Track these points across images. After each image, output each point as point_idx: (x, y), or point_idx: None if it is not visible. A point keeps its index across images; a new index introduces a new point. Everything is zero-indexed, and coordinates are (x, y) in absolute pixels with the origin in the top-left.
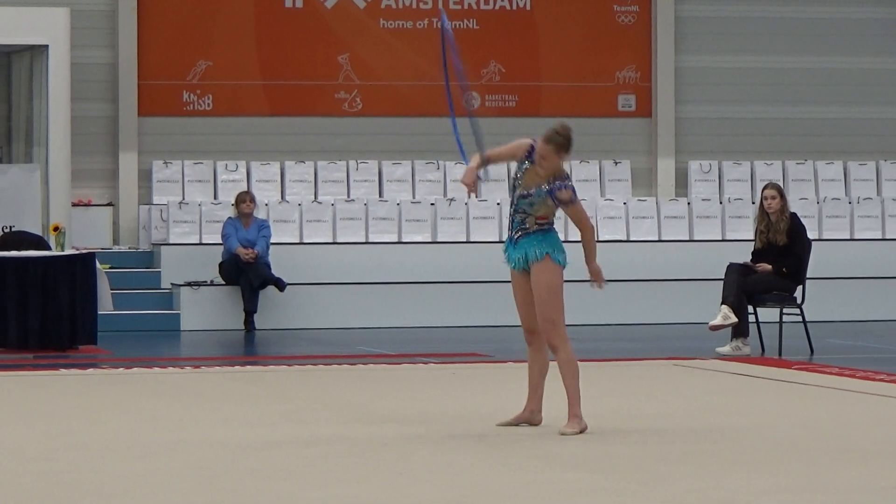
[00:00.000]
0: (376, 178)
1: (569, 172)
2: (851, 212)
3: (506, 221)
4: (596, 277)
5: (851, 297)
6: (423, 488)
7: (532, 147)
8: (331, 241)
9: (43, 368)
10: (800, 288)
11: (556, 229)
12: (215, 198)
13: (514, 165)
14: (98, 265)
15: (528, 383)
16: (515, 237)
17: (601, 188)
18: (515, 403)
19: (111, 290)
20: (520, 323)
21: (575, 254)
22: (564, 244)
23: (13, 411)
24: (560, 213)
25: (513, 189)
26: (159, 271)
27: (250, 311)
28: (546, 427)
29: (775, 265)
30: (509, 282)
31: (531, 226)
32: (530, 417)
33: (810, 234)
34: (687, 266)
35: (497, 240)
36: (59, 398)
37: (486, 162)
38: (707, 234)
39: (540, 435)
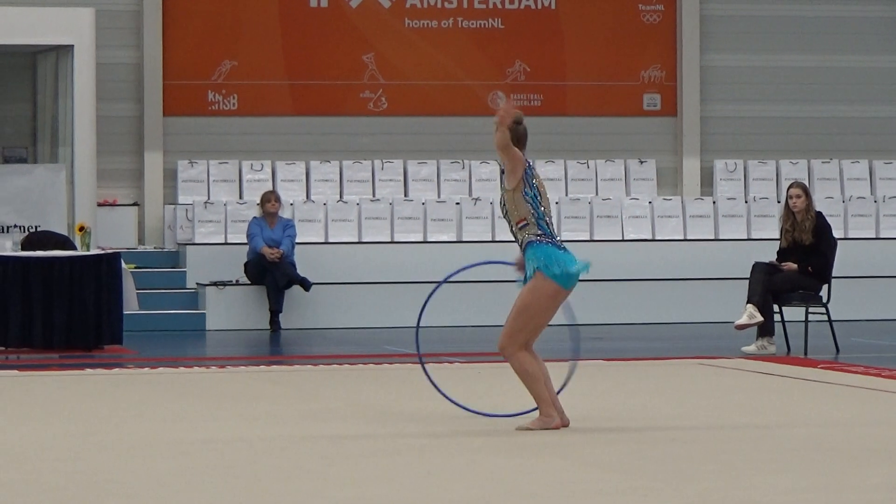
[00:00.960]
0: (401, 178)
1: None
2: (877, 210)
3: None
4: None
5: (877, 295)
6: (448, 488)
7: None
8: (356, 240)
9: (68, 368)
10: (825, 287)
11: (556, 243)
12: (240, 197)
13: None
14: (123, 265)
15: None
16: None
17: (626, 187)
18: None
19: (137, 289)
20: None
21: (602, 254)
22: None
23: (39, 411)
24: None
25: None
26: (185, 271)
27: (276, 310)
28: (571, 427)
29: (801, 264)
30: None
31: (520, 238)
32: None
33: (836, 233)
34: (712, 265)
35: None
36: (85, 398)
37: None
38: (732, 233)
39: (565, 435)
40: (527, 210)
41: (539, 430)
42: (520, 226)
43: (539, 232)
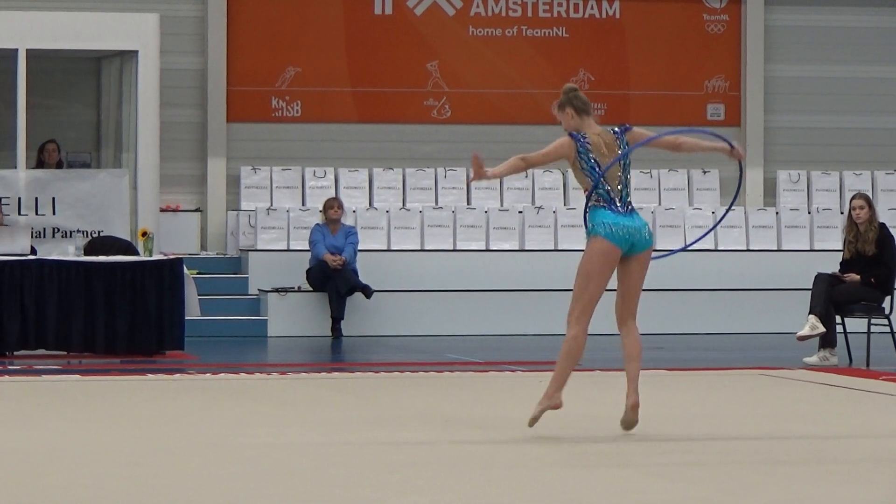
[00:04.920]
0: (464, 186)
1: (582, 134)
2: None
3: None
4: None
5: None
6: (508, 496)
7: (575, 137)
8: (418, 248)
9: (130, 373)
10: (888, 298)
11: (613, 208)
12: (303, 204)
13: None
14: (186, 270)
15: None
16: None
17: (689, 197)
18: (602, 410)
19: (198, 295)
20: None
21: (664, 264)
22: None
23: (100, 415)
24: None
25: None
26: (247, 277)
27: (337, 317)
28: (632, 437)
29: (863, 275)
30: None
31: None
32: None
33: None
34: (775, 276)
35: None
36: (146, 403)
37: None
38: (795, 243)
39: (627, 443)
40: (586, 182)
41: (545, 411)
42: (586, 195)
43: (597, 198)
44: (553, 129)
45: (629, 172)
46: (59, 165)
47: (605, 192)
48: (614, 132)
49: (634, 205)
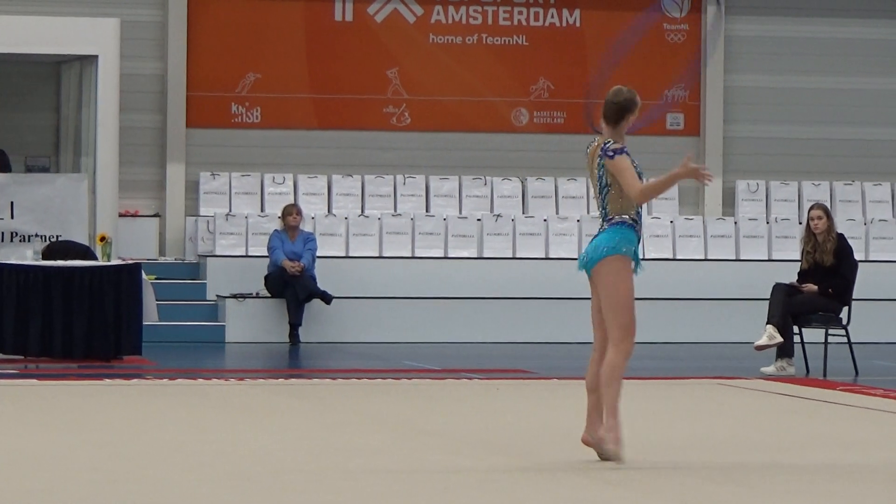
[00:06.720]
0: (423, 193)
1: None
2: None
3: (553, 238)
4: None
5: None
6: (463, 503)
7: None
8: (377, 255)
9: (87, 378)
10: (845, 309)
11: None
12: (262, 210)
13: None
14: (144, 276)
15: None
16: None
17: (648, 206)
18: (559, 419)
19: (156, 300)
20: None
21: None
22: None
23: (57, 421)
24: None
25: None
26: (205, 283)
27: (295, 323)
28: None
29: (821, 286)
30: (555, 298)
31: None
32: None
33: (857, 256)
34: (733, 285)
35: (543, 256)
36: (103, 408)
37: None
38: (753, 253)
39: (583, 452)
40: (623, 195)
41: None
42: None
43: (635, 216)
44: (513, 136)
45: (608, 194)
46: (3, 171)
47: (637, 213)
48: (602, 147)
49: (595, 214)
